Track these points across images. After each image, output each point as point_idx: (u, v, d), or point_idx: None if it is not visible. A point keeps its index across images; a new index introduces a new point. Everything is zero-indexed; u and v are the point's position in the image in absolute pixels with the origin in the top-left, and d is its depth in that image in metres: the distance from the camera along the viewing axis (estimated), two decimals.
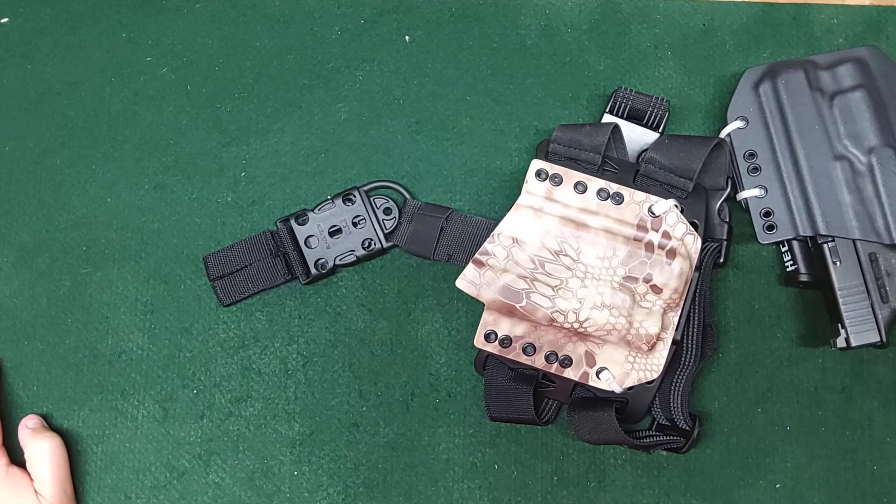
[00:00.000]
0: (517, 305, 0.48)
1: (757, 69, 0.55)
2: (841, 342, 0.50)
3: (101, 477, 0.53)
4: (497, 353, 0.50)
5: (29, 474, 0.51)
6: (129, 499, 0.52)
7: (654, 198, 0.50)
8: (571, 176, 0.50)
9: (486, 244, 0.50)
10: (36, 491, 0.50)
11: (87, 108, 0.57)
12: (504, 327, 0.50)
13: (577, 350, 0.50)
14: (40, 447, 0.51)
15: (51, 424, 0.53)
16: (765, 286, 0.54)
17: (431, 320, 0.54)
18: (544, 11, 0.58)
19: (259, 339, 0.54)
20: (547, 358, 0.50)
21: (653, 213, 0.50)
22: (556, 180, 0.50)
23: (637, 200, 0.50)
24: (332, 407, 0.53)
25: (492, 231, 0.50)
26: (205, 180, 0.56)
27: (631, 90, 0.55)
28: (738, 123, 0.54)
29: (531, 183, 0.50)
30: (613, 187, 0.50)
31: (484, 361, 0.52)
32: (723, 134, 0.54)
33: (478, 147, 0.56)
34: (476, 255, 0.49)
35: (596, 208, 0.50)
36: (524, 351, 0.50)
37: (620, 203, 0.50)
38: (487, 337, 0.50)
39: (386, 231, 0.54)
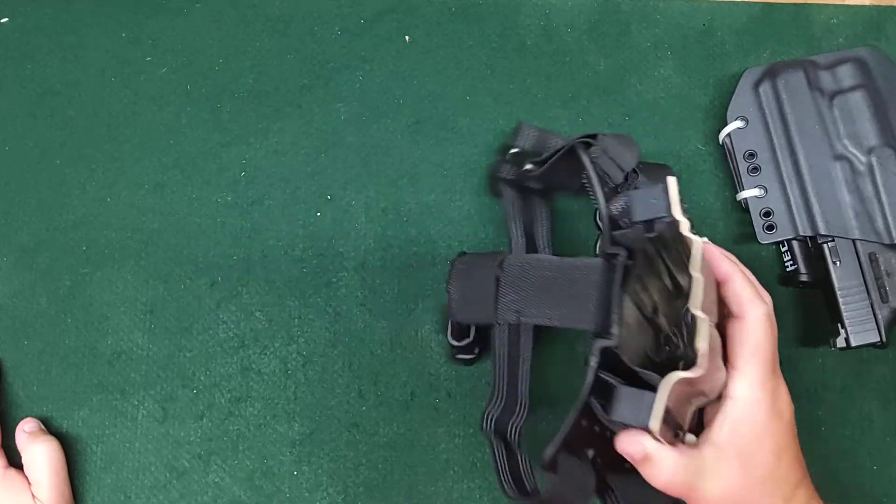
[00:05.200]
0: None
1: (757, 69, 0.55)
2: (841, 342, 0.50)
3: (101, 477, 0.53)
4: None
5: (26, 478, 0.51)
6: (128, 498, 0.52)
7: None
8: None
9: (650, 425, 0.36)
10: (33, 495, 0.50)
11: (87, 108, 0.57)
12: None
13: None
14: (38, 451, 0.51)
15: (50, 425, 0.53)
16: (765, 286, 0.54)
17: (431, 320, 0.54)
18: (544, 11, 0.58)
19: (259, 339, 0.54)
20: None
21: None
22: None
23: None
24: (331, 407, 0.53)
25: (563, 268, 0.42)
26: (205, 180, 0.56)
27: (533, 126, 0.53)
28: (738, 123, 0.54)
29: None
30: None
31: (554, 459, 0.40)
32: (723, 134, 0.55)
33: (478, 147, 0.56)
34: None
35: None
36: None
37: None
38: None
39: None
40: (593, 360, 0.39)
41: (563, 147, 0.49)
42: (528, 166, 0.52)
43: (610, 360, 0.39)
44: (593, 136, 0.48)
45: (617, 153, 0.47)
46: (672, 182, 0.41)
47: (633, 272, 0.40)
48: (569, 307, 0.42)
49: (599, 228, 0.55)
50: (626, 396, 0.37)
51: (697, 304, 0.37)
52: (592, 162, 0.46)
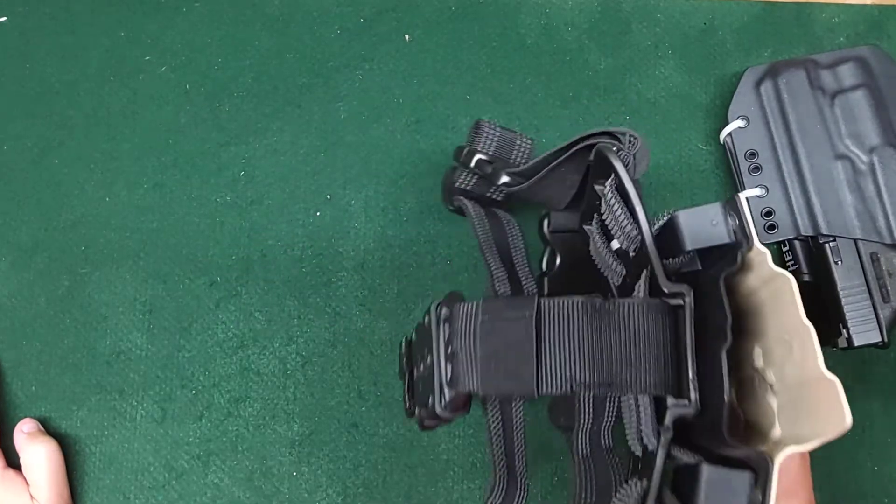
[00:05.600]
0: None
1: (758, 68, 0.54)
2: (842, 342, 0.50)
3: (100, 477, 0.53)
4: None
5: (25, 478, 0.51)
6: (127, 499, 0.52)
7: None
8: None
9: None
10: (32, 496, 0.50)
11: (86, 108, 0.57)
12: None
13: None
14: (36, 452, 0.50)
15: (49, 425, 0.53)
16: None
17: None
18: (544, 10, 0.58)
19: (258, 339, 0.54)
20: None
21: None
22: None
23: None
24: (331, 407, 0.53)
25: (611, 314, 0.34)
26: (204, 179, 0.56)
27: (496, 124, 0.45)
28: (739, 123, 0.54)
29: None
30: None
31: None
32: (724, 133, 0.54)
33: None
34: None
35: None
36: None
37: None
38: None
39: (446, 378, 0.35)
40: (666, 435, 0.31)
41: (566, 153, 0.39)
42: (505, 178, 0.43)
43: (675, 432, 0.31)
44: (609, 134, 0.39)
45: (640, 164, 0.39)
46: (743, 199, 0.34)
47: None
48: (627, 367, 0.32)
49: (546, 241, 0.48)
50: (716, 481, 0.29)
51: (820, 361, 0.30)
52: (628, 173, 0.36)
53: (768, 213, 0.53)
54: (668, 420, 0.31)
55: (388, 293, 0.54)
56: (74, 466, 0.52)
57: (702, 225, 0.33)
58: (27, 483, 0.50)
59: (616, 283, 0.39)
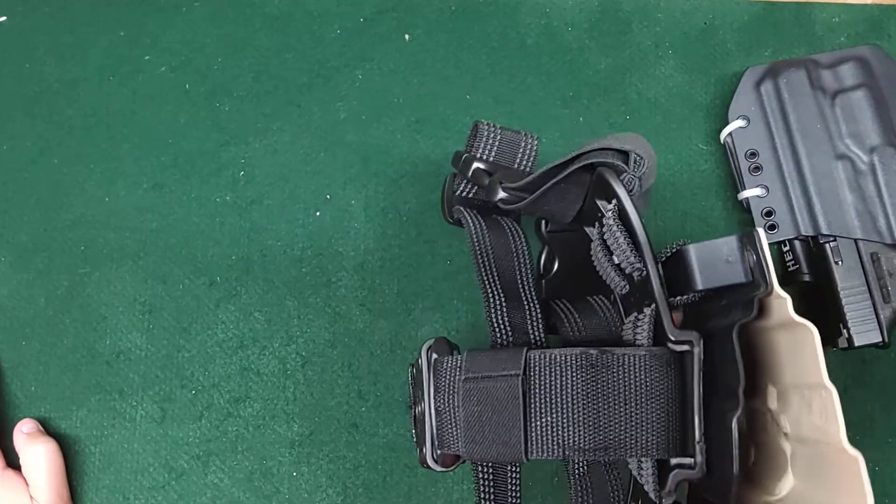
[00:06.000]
0: None
1: (758, 68, 0.54)
2: (843, 342, 0.50)
3: (100, 478, 0.52)
4: None
5: (25, 479, 0.51)
6: (127, 499, 0.52)
7: None
8: None
9: None
10: (31, 496, 0.50)
11: (86, 107, 0.57)
12: None
13: None
14: (36, 452, 0.50)
15: (48, 425, 0.53)
16: None
17: (431, 320, 0.54)
18: (544, 10, 0.58)
19: (258, 339, 0.54)
20: None
21: None
22: None
23: None
24: (331, 407, 0.53)
25: (608, 367, 0.31)
26: (203, 179, 0.56)
27: (496, 126, 0.41)
28: (740, 122, 0.54)
29: None
30: None
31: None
32: (724, 133, 0.54)
33: None
34: None
35: None
36: None
37: None
38: None
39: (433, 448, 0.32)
40: (668, 500, 0.29)
41: (566, 170, 0.35)
42: (502, 195, 0.38)
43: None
44: (617, 151, 0.33)
45: (646, 182, 0.34)
46: (762, 234, 0.30)
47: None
48: (627, 427, 0.29)
49: (544, 241, 0.45)
50: None
51: (843, 435, 0.28)
52: (631, 199, 0.33)
53: (768, 213, 0.52)
54: (670, 483, 0.29)
55: (388, 293, 0.54)
56: (74, 466, 0.52)
57: (715, 261, 0.30)
58: (27, 483, 0.50)
59: (620, 293, 0.36)
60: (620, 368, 0.30)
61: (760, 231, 0.30)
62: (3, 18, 0.59)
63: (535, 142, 0.41)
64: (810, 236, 0.52)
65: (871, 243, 0.51)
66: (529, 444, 0.30)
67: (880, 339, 0.49)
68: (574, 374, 0.30)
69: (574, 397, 0.30)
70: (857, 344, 0.49)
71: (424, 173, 0.56)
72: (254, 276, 0.54)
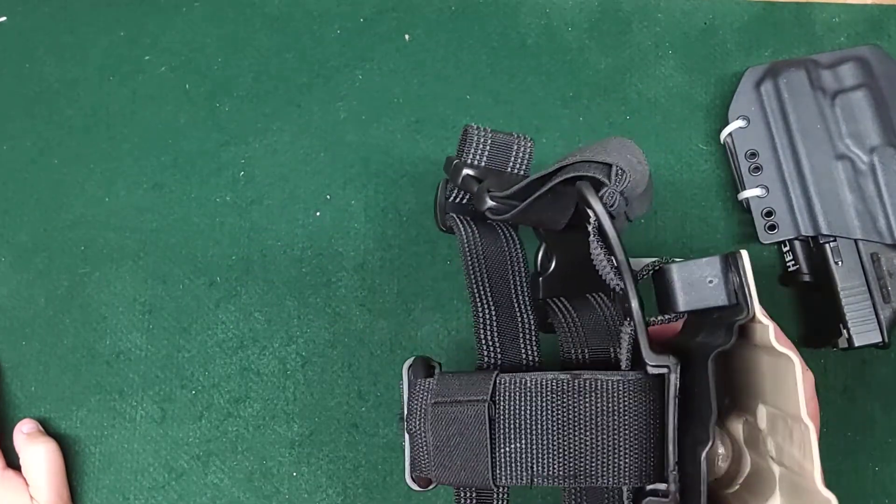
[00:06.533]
0: None
1: (758, 68, 0.54)
2: (843, 342, 0.50)
3: (99, 478, 0.52)
4: None
5: (25, 479, 0.50)
6: (127, 500, 0.52)
7: None
8: None
9: None
10: (31, 496, 0.50)
11: (86, 107, 0.57)
12: None
13: None
14: (36, 452, 0.50)
15: (48, 425, 0.53)
16: (766, 286, 0.54)
17: (431, 320, 0.54)
18: (544, 10, 0.58)
19: (258, 339, 0.54)
20: None
21: None
22: None
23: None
24: (331, 408, 0.53)
25: (580, 393, 0.30)
26: (203, 179, 0.56)
27: (486, 128, 0.39)
28: (740, 123, 0.54)
29: None
30: None
31: None
32: (724, 133, 0.54)
33: None
34: None
35: None
36: None
37: None
38: None
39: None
40: None
41: (551, 182, 0.34)
42: (490, 203, 0.37)
43: None
44: (601, 164, 0.32)
45: (633, 201, 0.33)
46: (745, 256, 0.29)
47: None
48: (600, 455, 0.29)
49: (541, 237, 0.43)
50: None
51: (818, 475, 0.28)
52: (609, 215, 0.31)
53: (768, 214, 0.52)
54: None
55: (388, 293, 0.54)
56: (74, 467, 0.52)
57: (698, 282, 0.29)
58: (27, 483, 0.50)
59: (619, 291, 0.36)
60: (593, 394, 0.29)
61: (744, 253, 0.30)
62: (3, 18, 0.59)
63: (529, 144, 0.40)
64: (810, 236, 0.52)
65: (871, 243, 0.51)
66: (497, 471, 0.30)
67: (880, 339, 0.49)
68: (545, 400, 0.30)
69: (544, 424, 0.30)
70: (857, 344, 0.49)
71: (424, 173, 0.56)
72: (254, 276, 0.54)
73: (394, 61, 0.57)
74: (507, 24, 0.58)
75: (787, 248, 0.53)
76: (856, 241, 0.51)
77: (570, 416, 0.29)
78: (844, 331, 0.50)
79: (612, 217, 0.31)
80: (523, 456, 0.30)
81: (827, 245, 0.51)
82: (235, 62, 0.58)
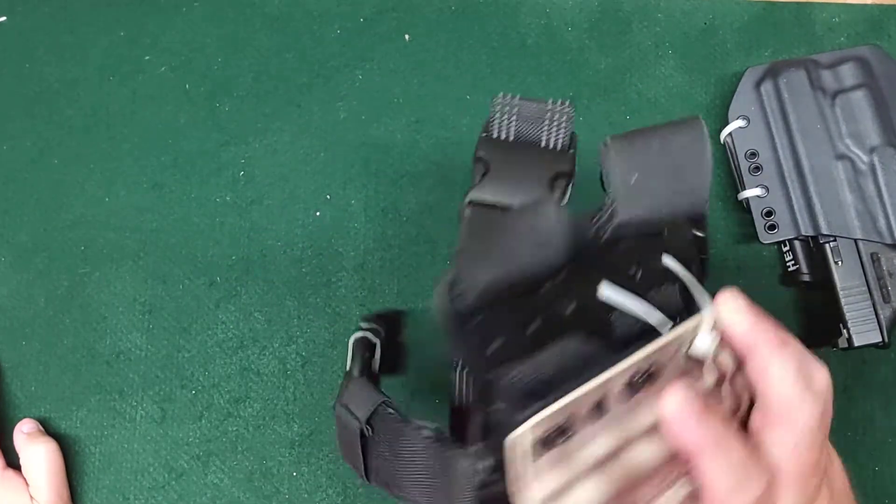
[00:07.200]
0: None
1: (758, 68, 0.54)
2: (843, 342, 0.50)
3: (99, 478, 0.52)
4: None
5: (25, 479, 0.50)
6: (127, 500, 0.52)
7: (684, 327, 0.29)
8: (575, 403, 0.28)
9: None
10: (31, 496, 0.50)
11: (86, 107, 0.57)
12: None
13: None
14: (36, 452, 0.50)
15: (48, 425, 0.53)
16: (766, 286, 0.54)
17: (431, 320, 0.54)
18: (544, 10, 0.58)
19: (258, 339, 0.54)
20: None
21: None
22: (558, 435, 0.28)
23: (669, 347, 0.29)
24: (331, 407, 0.53)
25: (429, 453, 0.33)
26: (203, 179, 0.56)
27: (515, 97, 0.35)
28: (740, 123, 0.54)
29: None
30: (632, 363, 0.28)
31: None
32: (724, 133, 0.54)
33: None
34: None
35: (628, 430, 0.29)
36: None
37: (654, 380, 0.29)
38: None
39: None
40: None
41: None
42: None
43: None
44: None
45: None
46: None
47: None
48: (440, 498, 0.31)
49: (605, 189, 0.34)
50: None
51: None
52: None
53: (768, 213, 0.52)
54: None
55: (388, 293, 0.54)
56: (74, 467, 0.52)
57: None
58: (27, 483, 0.50)
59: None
60: (434, 454, 0.33)
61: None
62: (3, 18, 0.59)
63: (567, 110, 0.34)
64: (810, 236, 0.52)
65: (871, 243, 0.51)
66: (369, 475, 0.35)
67: (880, 339, 0.49)
68: (399, 445, 0.33)
69: (395, 458, 0.34)
70: (857, 344, 0.49)
71: (424, 173, 0.56)
72: (254, 276, 0.54)
73: (394, 61, 0.57)
74: (507, 24, 0.58)
75: (787, 248, 0.53)
76: (856, 241, 0.51)
77: (414, 465, 0.33)
78: (844, 331, 0.50)
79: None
80: (384, 474, 0.34)
81: (827, 245, 0.51)
82: (235, 62, 0.58)
